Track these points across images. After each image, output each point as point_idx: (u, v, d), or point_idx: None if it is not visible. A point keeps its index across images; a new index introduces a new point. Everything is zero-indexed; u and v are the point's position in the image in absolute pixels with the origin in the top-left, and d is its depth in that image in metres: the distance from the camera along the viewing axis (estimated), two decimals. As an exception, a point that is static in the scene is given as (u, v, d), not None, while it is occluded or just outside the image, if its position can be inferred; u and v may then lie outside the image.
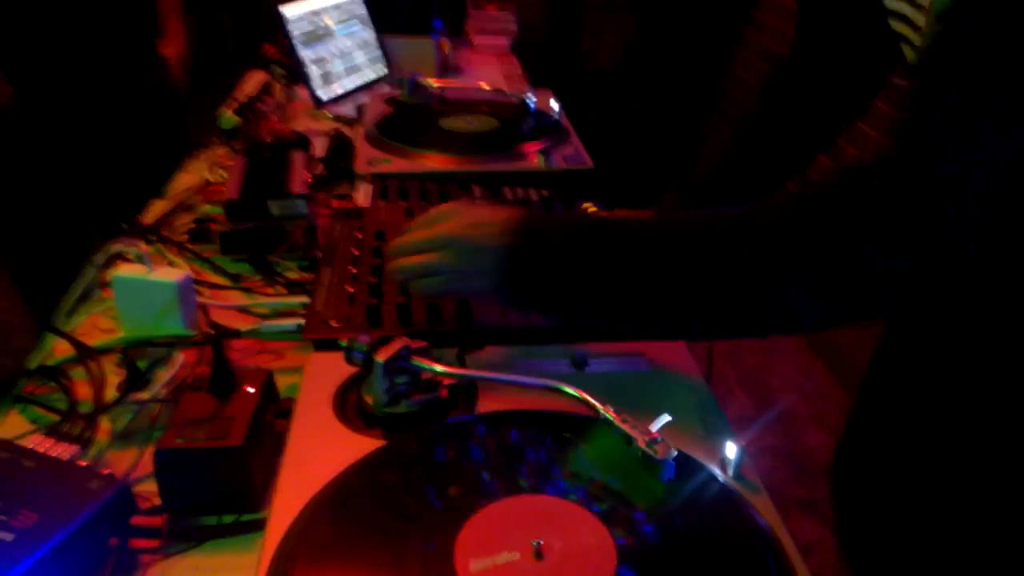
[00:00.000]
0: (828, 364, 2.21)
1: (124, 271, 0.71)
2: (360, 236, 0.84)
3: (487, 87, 1.38)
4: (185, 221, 1.02)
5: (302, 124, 1.44)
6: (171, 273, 0.71)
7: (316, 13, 1.52)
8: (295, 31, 1.45)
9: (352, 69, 1.59)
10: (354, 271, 0.77)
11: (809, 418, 2.03)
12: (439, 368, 0.58)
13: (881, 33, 0.70)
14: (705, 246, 0.55)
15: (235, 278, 0.90)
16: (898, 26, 0.63)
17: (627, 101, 2.63)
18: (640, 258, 0.56)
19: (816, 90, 0.85)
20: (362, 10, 1.66)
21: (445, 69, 1.78)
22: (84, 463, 0.54)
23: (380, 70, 1.68)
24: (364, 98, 1.52)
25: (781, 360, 2.26)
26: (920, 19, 0.59)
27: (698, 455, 0.56)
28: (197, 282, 0.82)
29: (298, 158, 1.05)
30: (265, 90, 1.47)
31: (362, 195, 1.02)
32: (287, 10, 1.44)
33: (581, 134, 1.75)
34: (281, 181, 0.97)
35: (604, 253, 0.57)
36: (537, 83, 2.30)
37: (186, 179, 1.18)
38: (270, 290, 0.86)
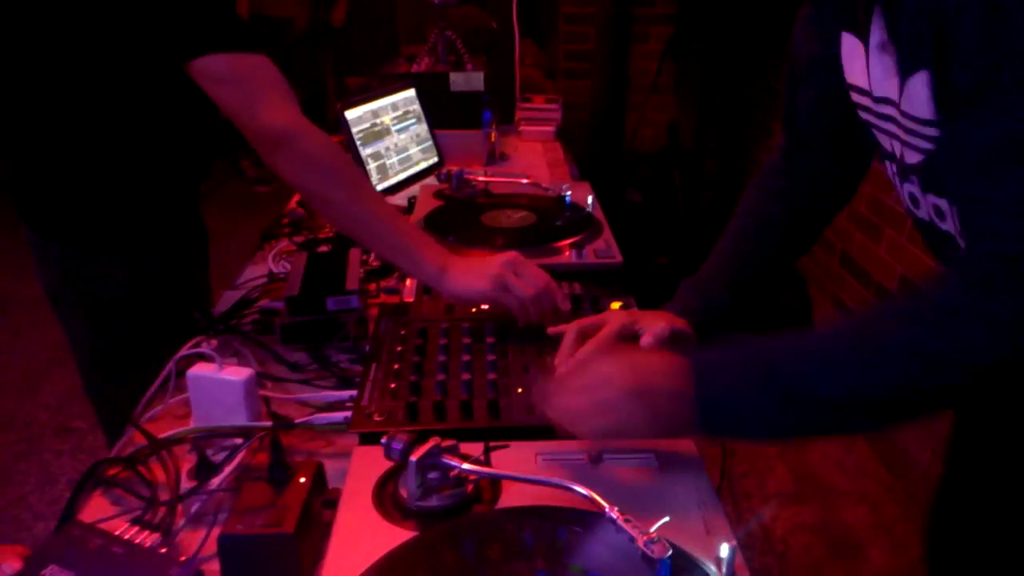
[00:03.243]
0: (869, 439, 2.20)
1: (198, 369, 0.82)
2: (404, 332, 0.93)
3: (527, 181, 1.48)
4: (252, 311, 1.13)
5: (359, 214, 1.57)
6: (238, 372, 0.81)
7: (375, 113, 1.67)
8: (355, 130, 1.60)
9: (406, 160, 1.73)
10: (396, 367, 0.86)
11: (849, 494, 2.02)
12: (466, 466, 0.66)
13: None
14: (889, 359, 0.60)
15: (294, 366, 1.00)
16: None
17: (668, 179, 2.72)
18: (821, 389, 0.61)
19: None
20: (417, 107, 1.80)
21: (493, 157, 1.91)
22: (164, 549, 0.63)
23: (432, 160, 1.81)
24: (416, 188, 1.65)
25: (825, 435, 2.26)
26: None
27: (697, 552, 0.61)
28: (260, 375, 0.92)
29: (354, 254, 1.16)
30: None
31: (409, 288, 1.12)
32: (349, 113, 1.59)
33: (623, 210, 1.81)
34: (338, 277, 1.08)
35: (782, 390, 0.62)
36: (582, 161, 2.42)
37: (253, 270, 1.31)
38: (325, 379, 0.96)
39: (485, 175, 1.51)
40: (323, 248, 1.32)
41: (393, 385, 0.82)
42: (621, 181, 2.76)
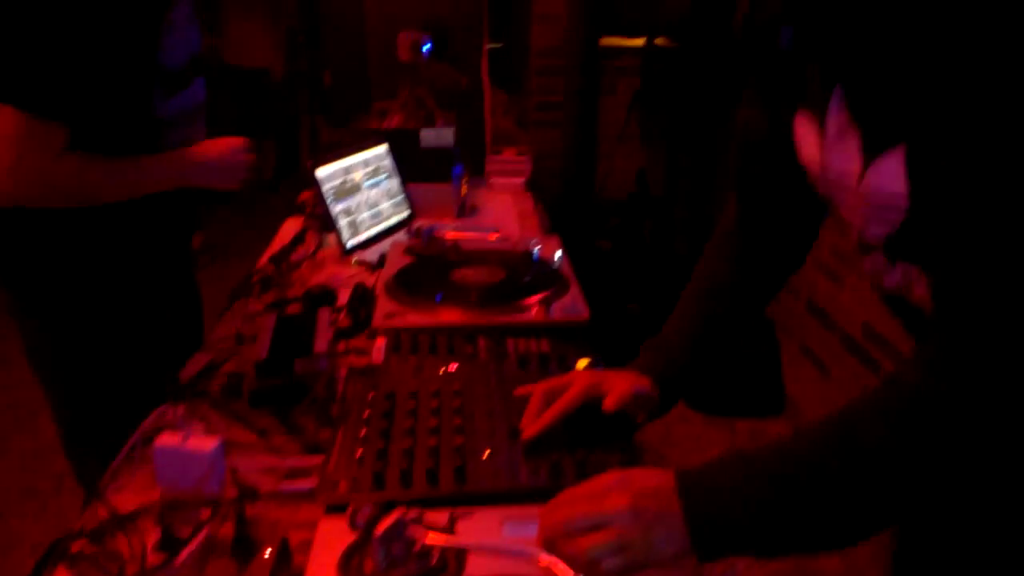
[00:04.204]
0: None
1: (164, 440, 0.82)
2: (371, 396, 0.94)
3: (495, 237, 1.51)
4: (221, 374, 1.13)
5: (330, 270, 1.58)
6: (204, 442, 0.81)
7: (347, 170, 1.69)
8: (327, 188, 1.62)
9: (377, 215, 1.75)
10: (363, 433, 0.87)
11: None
12: (430, 538, 0.66)
13: None
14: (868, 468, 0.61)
15: (262, 432, 1.00)
16: None
17: (638, 227, 2.77)
18: (814, 497, 0.62)
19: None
20: (389, 162, 1.83)
21: (464, 210, 1.93)
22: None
23: (404, 214, 1.83)
24: (388, 242, 1.67)
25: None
26: None
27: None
28: (227, 443, 0.92)
29: (323, 315, 1.17)
30: (299, 238, 1.63)
31: (378, 349, 1.13)
32: (320, 171, 1.61)
33: (594, 259, 1.82)
34: (307, 339, 1.09)
35: (779, 501, 0.62)
36: (554, 210, 2.46)
37: (222, 329, 1.31)
38: (295, 443, 0.96)
39: (454, 231, 1.53)
40: (292, 308, 1.33)
41: (359, 452, 0.83)
42: (591, 230, 2.80)
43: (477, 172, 2.20)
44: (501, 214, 1.97)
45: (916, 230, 0.68)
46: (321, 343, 1.08)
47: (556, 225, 2.63)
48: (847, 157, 0.71)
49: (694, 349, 0.95)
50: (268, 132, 4.78)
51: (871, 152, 0.68)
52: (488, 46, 4.52)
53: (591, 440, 0.86)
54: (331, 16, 2.60)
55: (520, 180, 2.16)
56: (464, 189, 1.93)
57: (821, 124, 0.74)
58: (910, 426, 0.60)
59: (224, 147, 1.51)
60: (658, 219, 2.76)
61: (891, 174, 0.66)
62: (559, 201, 2.85)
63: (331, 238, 1.65)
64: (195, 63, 1.43)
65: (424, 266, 1.38)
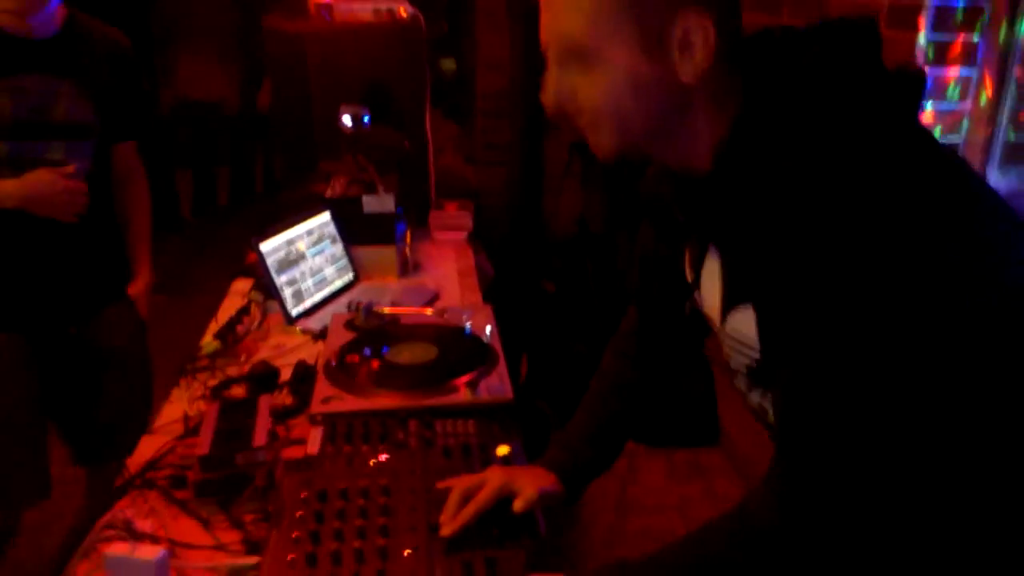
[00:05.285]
0: None
1: (114, 549, 0.90)
2: (304, 496, 1.04)
3: (430, 312, 1.61)
4: (167, 464, 1.21)
5: (275, 339, 1.67)
6: (151, 551, 0.90)
7: (290, 241, 1.78)
8: (270, 260, 1.70)
9: (321, 281, 1.83)
10: (295, 535, 0.96)
11: None
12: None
13: None
14: None
15: (206, 523, 1.09)
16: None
17: (581, 267, 2.88)
18: None
19: None
20: (332, 229, 1.92)
21: (407, 269, 2.03)
22: None
23: (347, 278, 1.92)
24: (331, 308, 1.76)
25: None
26: None
27: None
28: (171, 542, 1.01)
29: (263, 402, 1.26)
30: (244, 310, 1.71)
31: (313, 438, 1.22)
32: (264, 245, 1.69)
33: (539, 301, 1.89)
34: (247, 432, 1.17)
35: None
36: (499, 252, 2.57)
37: (169, 411, 1.39)
38: (237, 534, 1.05)
39: (392, 306, 1.63)
40: (236, 389, 1.41)
41: (291, 556, 0.92)
42: (536, 271, 2.90)
43: (421, 223, 2.30)
44: (443, 273, 2.07)
45: (767, 368, 0.81)
46: (261, 435, 1.17)
47: (502, 266, 2.73)
48: (714, 297, 0.84)
49: (596, 446, 1.07)
50: (223, 160, 4.82)
51: (732, 301, 0.81)
52: (439, 70, 4.60)
53: (502, 536, 0.96)
54: (277, 82, 2.67)
55: (462, 235, 2.27)
56: (407, 250, 2.03)
57: (699, 262, 0.87)
58: (753, 553, 0.73)
59: (41, 178, 1.58)
60: (599, 260, 2.88)
61: (746, 323, 0.79)
62: (505, 241, 2.96)
63: (275, 305, 1.73)
64: (42, 125, 1.59)
65: (361, 343, 1.48)
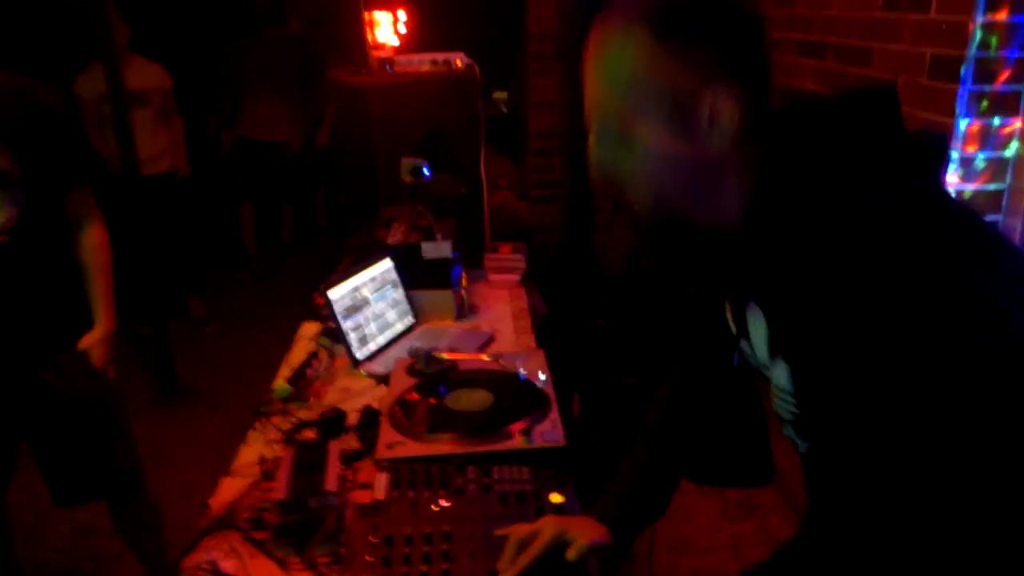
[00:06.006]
0: None
1: (203, 590, 1.00)
2: (372, 540, 1.12)
3: (486, 357, 1.69)
4: (246, 505, 1.31)
5: (342, 382, 1.77)
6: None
7: (356, 288, 1.89)
8: (338, 307, 1.81)
9: (384, 326, 1.94)
10: (366, 579, 1.05)
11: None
12: None
13: None
14: None
15: (281, 562, 1.18)
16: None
17: (631, 303, 2.94)
18: None
19: None
20: (393, 275, 2.02)
21: (463, 311, 2.12)
22: None
23: (408, 321, 2.02)
24: (393, 351, 1.86)
25: None
26: None
27: None
28: (254, 581, 1.11)
29: (334, 450, 1.35)
30: (313, 355, 1.82)
31: (381, 482, 1.30)
32: (331, 292, 1.81)
33: (590, 336, 1.91)
34: (319, 476, 1.27)
35: None
36: (553, 288, 2.63)
37: (247, 453, 1.50)
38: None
39: (450, 351, 1.71)
40: (307, 432, 1.51)
41: (362, 599, 1.01)
42: (588, 308, 2.97)
43: (476, 265, 2.39)
44: (498, 314, 2.15)
45: (805, 420, 0.86)
46: (332, 480, 1.26)
47: (555, 303, 2.80)
48: (761, 348, 0.89)
49: (645, 498, 1.12)
50: (287, 197, 5.03)
51: (776, 352, 0.86)
52: (492, 102, 4.70)
53: (556, 582, 1.03)
54: (341, 131, 2.82)
55: (516, 277, 2.35)
56: (463, 293, 2.12)
57: (740, 315, 0.92)
58: None
59: None
60: (649, 295, 2.93)
61: (783, 377, 0.84)
62: (557, 278, 3.03)
63: (342, 349, 1.84)
64: None
65: (422, 389, 1.57)
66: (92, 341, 1.88)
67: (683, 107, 0.79)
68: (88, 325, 1.88)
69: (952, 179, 1.64)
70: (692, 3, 0.79)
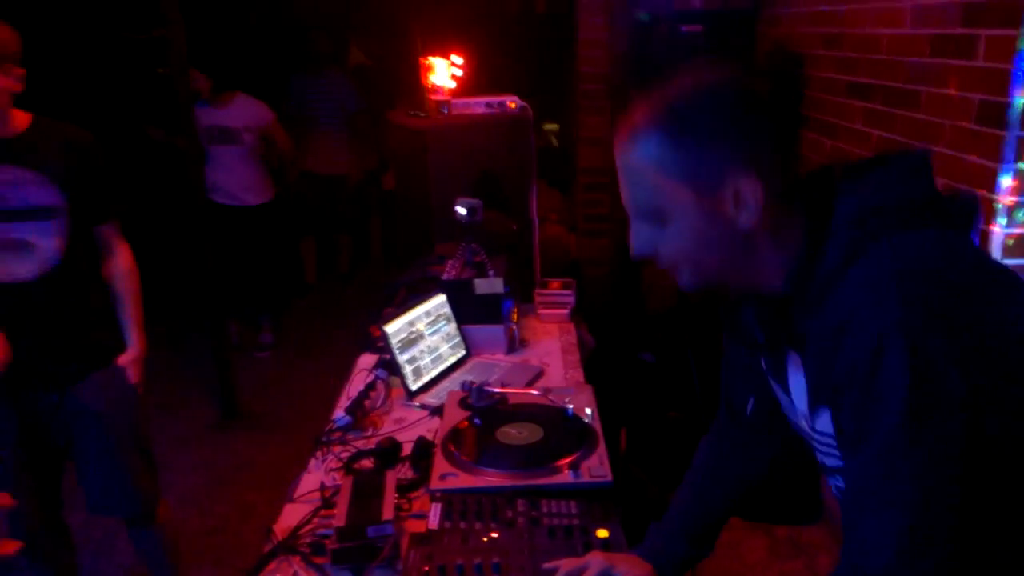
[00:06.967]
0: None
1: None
2: (427, 569, 1.18)
3: (536, 392, 1.75)
4: (307, 530, 1.39)
5: (397, 413, 1.85)
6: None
7: (411, 322, 1.97)
8: (394, 341, 1.90)
9: (438, 359, 2.02)
10: (422, 606, 1.11)
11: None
12: None
13: None
14: None
15: (341, 587, 1.25)
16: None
17: (679, 338, 2.97)
18: None
19: None
20: (447, 310, 2.11)
21: (514, 345, 2.19)
22: None
23: (460, 354, 2.10)
24: (446, 384, 1.93)
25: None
26: None
27: None
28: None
29: (391, 480, 1.42)
30: (371, 386, 1.91)
31: (435, 512, 1.37)
32: (388, 327, 1.90)
33: (637, 370, 1.94)
34: (376, 504, 1.34)
35: None
36: (601, 322, 2.67)
37: (308, 480, 1.58)
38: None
39: (501, 385, 1.78)
40: (365, 462, 1.59)
41: (417, 625, 1.07)
42: (636, 342, 3.02)
43: (526, 299, 2.46)
44: (547, 349, 2.21)
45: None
46: (388, 509, 1.33)
47: (603, 338, 2.85)
48: (802, 399, 0.93)
49: (690, 538, 1.17)
50: (344, 228, 5.20)
51: (817, 403, 0.90)
52: (543, 135, 4.78)
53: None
54: (399, 170, 2.94)
55: (565, 312, 2.41)
56: (514, 328, 2.19)
57: (780, 371, 0.97)
58: None
59: None
60: (697, 331, 2.95)
61: (828, 426, 0.88)
62: (606, 313, 3.09)
63: (397, 380, 1.92)
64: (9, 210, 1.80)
65: (473, 423, 1.63)
66: (127, 361, 2.05)
67: (708, 195, 0.86)
68: (121, 347, 2.06)
69: (996, 228, 1.64)
70: (701, 102, 0.85)
